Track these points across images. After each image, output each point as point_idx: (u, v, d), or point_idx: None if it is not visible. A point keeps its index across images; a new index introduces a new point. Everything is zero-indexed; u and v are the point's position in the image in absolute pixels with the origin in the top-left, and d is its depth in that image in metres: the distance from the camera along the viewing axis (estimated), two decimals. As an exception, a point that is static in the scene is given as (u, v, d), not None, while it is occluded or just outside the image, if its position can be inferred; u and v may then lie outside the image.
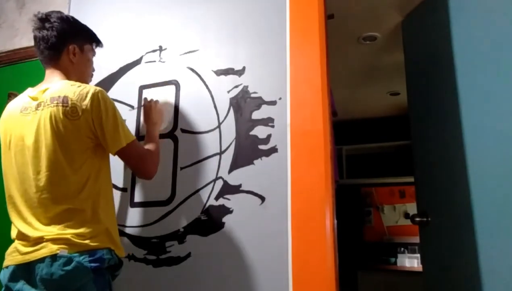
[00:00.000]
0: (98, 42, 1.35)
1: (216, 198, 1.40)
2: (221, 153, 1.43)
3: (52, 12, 1.25)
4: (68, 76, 1.22)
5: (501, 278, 1.36)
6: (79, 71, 1.27)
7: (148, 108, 1.46)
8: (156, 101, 1.49)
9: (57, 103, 1.10)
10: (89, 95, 1.12)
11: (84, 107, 1.10)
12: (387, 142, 4.15)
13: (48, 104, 1.11)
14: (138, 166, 1.23)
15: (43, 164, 1.10)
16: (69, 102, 1.10)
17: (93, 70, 1.37)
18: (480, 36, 1.53)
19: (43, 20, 1.22)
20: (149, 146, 1.31)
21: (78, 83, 1.16)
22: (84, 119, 1.11)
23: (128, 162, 1.25)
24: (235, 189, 1.38)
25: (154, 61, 1.64)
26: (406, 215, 4.08)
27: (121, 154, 1.18)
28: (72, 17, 1.30)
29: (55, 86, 1.16)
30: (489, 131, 1.45)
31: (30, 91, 1.22)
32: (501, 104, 1.43)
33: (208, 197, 1.41)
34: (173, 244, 1.41)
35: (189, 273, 1.37)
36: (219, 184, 1.41)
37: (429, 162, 1.78)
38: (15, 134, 1.16)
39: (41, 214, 1.09)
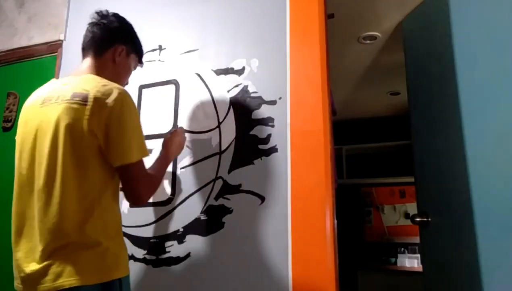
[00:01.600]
0: (141, 61, 1.34)
1: (216, 198, 1.39)
2: (221, 153, 1.43)
3: (116, 13, 1.26)
4: (102, 72, 1.16)
5: (501, 278, 1.36)
6: (116, 72, 1.21)
7: (173, 134, 1.37)
8: (183, 132, 1.42)
9: (78, 100, 1.02)
10: (112, 96, 1.03)
11: (103, 107, 1.01)
12: (387, 142, 4.15)
13: (67, 100, 1.04)
14: (135, 188, 1.09)
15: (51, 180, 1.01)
16: (89, 100, 1.02)
17: (127, 83, 1.31)
18: (480, 36, 1.52)
19: (106, 15, 1.22)
20: (155, 171, 1.20)
21: (104, 81, 1.08)
22: (97, 120, 1.01)
23: (125, 179, 1.08)
24: (235, 189, 1.37)
25: (154, 60, 1.64)
26: (406, 215, 4.08)
27: (124, 169, 1.06)
28: (130, 24, 1.29)
29: (79, 81, 1.09)
30: (489, 131, 1.45)
31: (53, 82, 1.17)
32: (502, 103, 1.42)
33: (208, 197, 1.41)
34: (172, 244, 1.41)
35: (188, 273, 1.36)
36: (219, 184, 1.40)
37: (429, 162, 1.78)
38: (30, 128, 1.09)
39: (46, 242, 1.00)
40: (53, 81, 1.19)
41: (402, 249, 3.97)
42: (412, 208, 4.01)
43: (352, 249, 4.07)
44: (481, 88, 1.50)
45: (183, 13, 1.64)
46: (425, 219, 1.72)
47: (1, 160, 1.84)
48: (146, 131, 1.56)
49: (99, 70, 1.16)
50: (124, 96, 1.05)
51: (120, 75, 1.23)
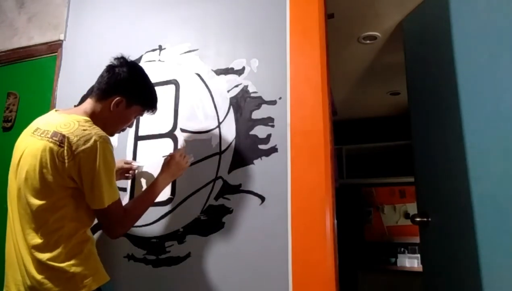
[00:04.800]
0: (152, 110, 1.33)
1: (216, 198, 1.39)
2: (221, 153, 1.43)
3: (134, 63, 1.29)
4: (97, 115, 1.20)
5: (501, 278, 1.36)
6: (110, 120, 1.23)
7: (174, 159, 1.35)
8: (185, 156, 1.38)
9: (55, 140, 1.08)
10: (88, 144, 1.07)
11: (77, 153, 1.06)
12: (387, 142, 4.15)
13: (47, 137, 1.10)
14: (107, 227, 1.18)
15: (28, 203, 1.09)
16: (65, 143, 1.07)
17: (131, 126, 1.35)
18: (480, 36, 1.52)
19: (121, 63, 1.24)
20: (136, 204, 1.26)
21: (86, 125, 1.12)
22: (73, 164, 1.07)
23: (99, 219, 1.17)
24: (235, 189, 1.37)
25: (154, 60, 1.64)
26: (406, 215, 4.08)
27: (98, 211, 1.13)
28: (144, 77, 1.30)
29: (65, 119, 1.14)
30: (489, 130, 1.44)
31: (51, 113, 1.23)
32: (502, 103, 1.42)
33: (208, 196, 1.40)
34: (172, 244, 1.41)
35: (188, 273, 1.36)
36: (219, 184, 1.40)
37: (429, 162, 1.78)
38: (17, 154, 1.17)
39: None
40: (52, 112, 1.24)
41: (402, 249, 3.97)
42: (412, 208, 4.01)
43: (352, 249, 4.06)
44: (481, 88, 1.50)
45: (183, 13, 1.64)
46: (425, 219, 1.72)
47: (1, 160, 1.84)
48: (146, 131, 1.57)
49: (95, 113, 1.21)
50: (99, 144, 1.08)
51: (113, 123, 1.26)
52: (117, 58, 1.26)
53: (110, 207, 1.12)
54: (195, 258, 1.37)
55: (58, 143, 1.07)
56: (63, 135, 1.08)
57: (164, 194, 1.46)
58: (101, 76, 1.25)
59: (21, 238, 1.09)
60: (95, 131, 1.11)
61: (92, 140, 1.08)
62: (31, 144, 1.12)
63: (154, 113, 1.35)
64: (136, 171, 1.51)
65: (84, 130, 1.10)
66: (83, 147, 1.07)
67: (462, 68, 1.56)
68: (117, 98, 1.21)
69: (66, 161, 1.06)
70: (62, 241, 1.08)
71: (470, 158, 1.48)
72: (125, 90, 1.23)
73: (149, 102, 1.31)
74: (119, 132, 1.34)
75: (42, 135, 1.12)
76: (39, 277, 1.05)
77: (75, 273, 1.07)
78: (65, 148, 1.06)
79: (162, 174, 1.33)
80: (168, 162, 1.35)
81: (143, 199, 1.28)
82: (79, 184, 1.09)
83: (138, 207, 1.26)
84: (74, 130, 1.09)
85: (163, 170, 1.34)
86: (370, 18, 2.40)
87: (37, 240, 1.07)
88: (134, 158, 1.56)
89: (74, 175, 1.08)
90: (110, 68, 1.24)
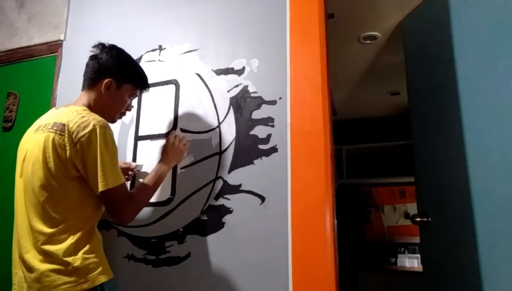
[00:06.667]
0: (143, 87, 1.35)
1: (216, 198, 1.39)
2: (221, 153, 1.43)
3: (113, 46, 1.31)
4: (93, 105, 1.23)
5: (501, 278, 1.36)
6: (106, 105, 1.25)
7: (170, 144, 1.39)
8: (182, 139, 1.42)
9: (55, 130, 1.11)
10: (87, 129, 1.09)
11: (77, 139, 1.08)
12: (387, 142, 4.15)
13: (49, 129, 1.13)
14: (115, 212, 1.16)
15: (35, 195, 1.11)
16: (66, 131, 1.09)
17: (130, 109, 1.35)
18: (480, 36, 1.52)
19: (102, 49, 1.28)
20: (142, 189, 1.26)
21: (85, 113, 1.15)
22: (75, 151, 1.08)
23: (106, 204, 1.16)
24: (235, 189, 1.37)
25: (154, 60, 1.64)
26: (406, 215, 4.08)
27: (103, 195, 1.11)
28: (125, 56, 1.32)
29: (64, 111, 1.17)
30: (489, 130, 1.45)
31: (52, 111, 1.26)
32: (501, 103, 1.42)
33: (208, 196, 1.40)
34: (172, 244, 1.41)
35: (188, 273, 1.36)
36: (219, 184, 1.40)
37: (429, 162, 1.78)
38: (22, 152, 1.20)
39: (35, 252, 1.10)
40: (51, 110, 1.27)
41: (402, 249, 3.97)
42: (412, 208, 4.01)
43: (352, 249, 4.06)
44: (481, 88, 1.50)
45: (183, 13, 1.64)
46: (425, 219, 1.72)
47: (1, 160, 1.84)
48: (146, 131, 1.57)
49: (90, 102, 1.24)
50: (98, 129, 1.10)
51: (110, 107, 1.27)
52: (95, 46, 1.28)
53: (115, 191, 1.11)
54: (195, 258, 1.37)
55: (59, 132, 1.10)
56: (63, 124, 1.11)
57: (164, 194, 1.46)
58: (87, 66, 1.28)
59: (27, 232, 1.11)
60: (93, 117, 1.13)
61: (91, 125, 1.10)
62: (35, 139, 1.15)
63: (147, 91, 1.38)
64: (136, 171, 1.51)
65: (82, 117, 1.13)
66: (83, 132, 1.09)
67: (462, 67, 1.56)
68: (106, 80, 1.24)
69: (67, 148, 1.08)
70: (68, 235, 1.09)
71: (470, 158, 1.48)
72: (111, 71, 1.25)
73: (137, 79, 1.33)
74: (120, 117, 1.34)
75: (44, 129, 1.15)
76: (43, 268, 1.06)
77: (80, 267, 1.07)
78: (66, 135, 1.09)
79: (164, 159, 1.36)
80: (165, 147, 1.38)
81: (148, 185, 1.28)
82: (83, 172, 1.10)
83: (144, 193, 1.27)
84: (73, 118, 1.12)
85: (164, 156, 1.37)
86: (370, 18, 2.39)
87: (44, 233, 1.08)
88: (134, 158, 1.55)
89: (76, 162, 1.09)
90: (92, 57, 1.28)
